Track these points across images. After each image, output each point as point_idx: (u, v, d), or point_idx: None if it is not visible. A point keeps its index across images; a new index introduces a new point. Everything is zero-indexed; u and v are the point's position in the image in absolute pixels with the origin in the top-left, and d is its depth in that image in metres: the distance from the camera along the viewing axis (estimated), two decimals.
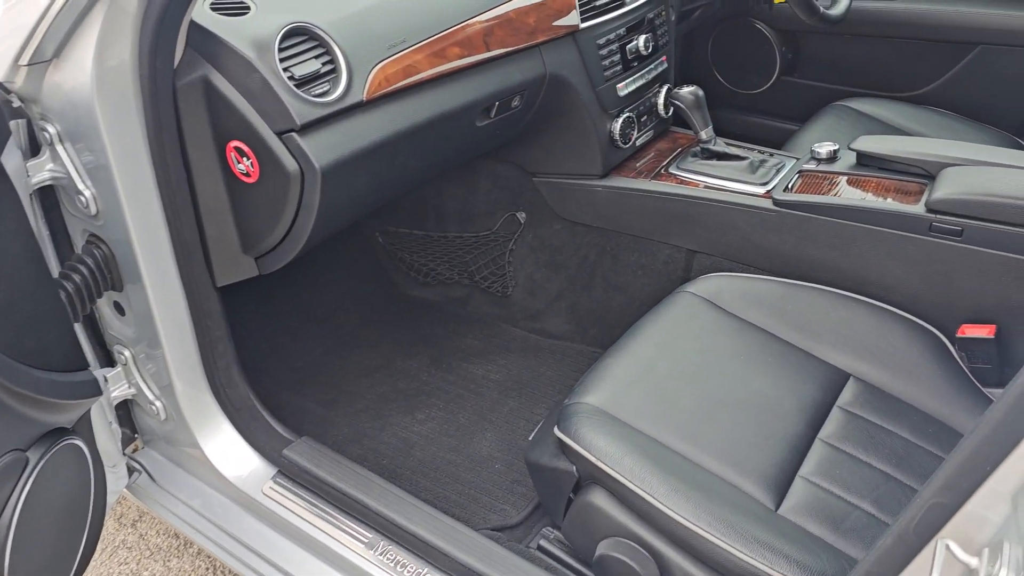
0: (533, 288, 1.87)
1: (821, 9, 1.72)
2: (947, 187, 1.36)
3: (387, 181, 1.33)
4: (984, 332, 1.35)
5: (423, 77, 1.27)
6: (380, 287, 2.06)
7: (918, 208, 1.39)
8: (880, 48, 2.24)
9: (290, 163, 1.12)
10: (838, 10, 1.82)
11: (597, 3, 1.56)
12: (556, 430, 1.19)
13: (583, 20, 1.53)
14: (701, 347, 1.33)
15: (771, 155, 1.68)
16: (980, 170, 1.38)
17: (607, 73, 1.61)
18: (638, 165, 1.72)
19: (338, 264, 2.03)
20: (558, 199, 1.75)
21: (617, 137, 1.66)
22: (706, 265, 1.65)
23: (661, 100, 1.77)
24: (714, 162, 1.65)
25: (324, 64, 1.15)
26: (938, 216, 1.37)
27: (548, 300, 1.86)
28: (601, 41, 1.58)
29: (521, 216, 1.82)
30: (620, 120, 1.66)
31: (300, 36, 1.14)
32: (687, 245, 1.66)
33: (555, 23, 1.48)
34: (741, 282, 1.47)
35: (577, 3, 1.52)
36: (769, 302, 1.43)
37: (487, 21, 1.37)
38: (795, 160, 1.66)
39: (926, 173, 1.47)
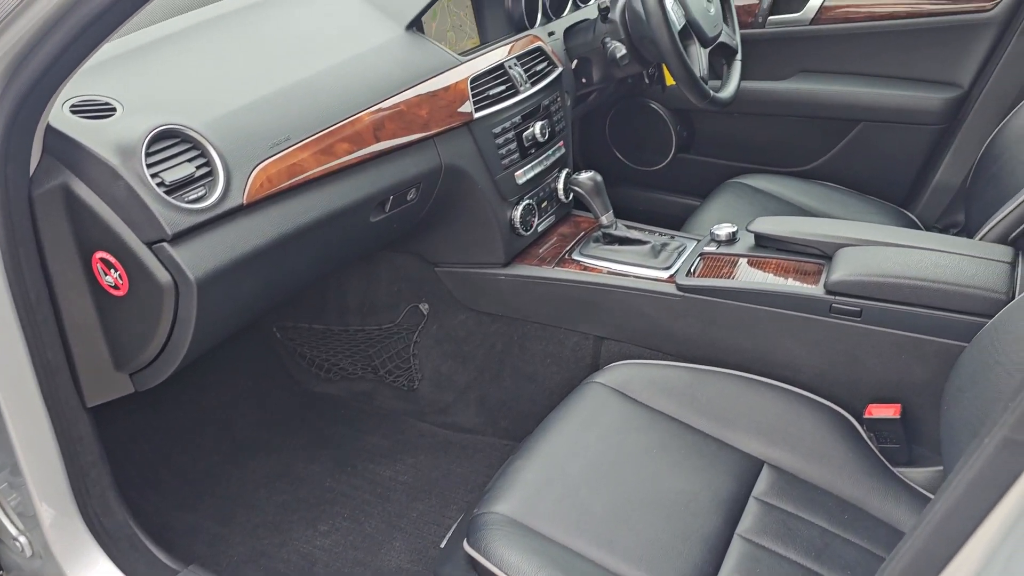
0: (440, 381, 1.80)
1: (711, 93, 1.76)
2: (843, 268, 1.38)
3: (275, 285, 1.25)
4: (890, 412, 1.35)
5: (310, 176, 1.21)
6: (280, 385, 1.95)
7: (817, 290, 1.40)
8: (771, 125, 2.31)
9: (162, 275, 1.04)
10: (727, 93, 1.86)
11: (491, 92, 1.54)
12: (466, 545, 1.12)
13: (477, 110, 1.50)
14: (612, 443, 1.29)
15: (672, 237, 1.68)
16: (874, 251, 1.40)
17: (504, 161, 1.58)
18: (541, 251, 1.69)
19: (234, 362, 1.92)
20: (462, 289, 1.70)
21: (518, 225, 1.63)
22: (615, 351, 1.62)
23: (561, 185, 1.76)
24: (616, 247, 1.63)
25: (199, 167, 1.08)
26: (837, 297, 1.38)
27: (456, 392, 1.79)
28: (497, 130, 1.56)
29: (424, 307, 1.76)
30: (520, 208, 1.63)
31: (172, 139, 1.07)
32: (595, 332, 1.63)
33: (448, 114, 1.45)
34: (650, 370, 1.43)
35: (470, 93, 1.49)
36: (679, 389, 1.40)
37: (377, 114, 1.33)
38: (696, 242, 1.66)
39: (822, 253, 1.48)
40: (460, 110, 1.47)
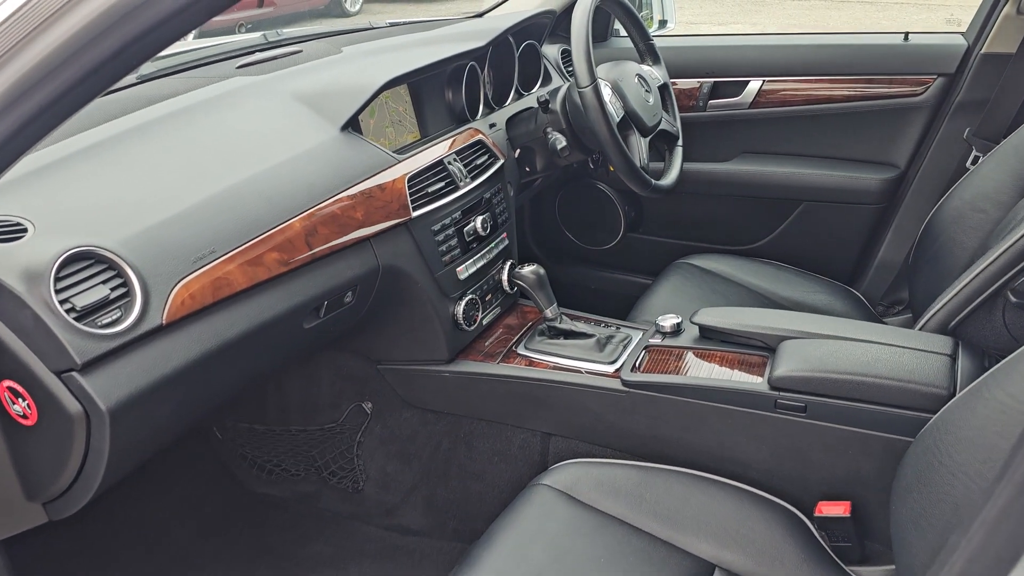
0: (386, 481, 1.74)
1: (652, 182, 1.76)
2: (787, 363, 1.36)
3: (198, 403, 1.20)
4: (840, 510, 1.33)
5: (237, 289, 1.17)
6: (220, 488, 1.87)
7: (762, 385, 1.38)
8: (716, 205, 2.33)
9: (71, 405, 0.98)
10: (668, 180, 1.87)
11: (429, 190, 1.53)
12: None
13: (415, 208, 1.49)
14: (559, 553, 1.24)
15: (617, 329, 1.66)
16: (816, 344, 1.40)
17: (445, 258, 1.56)
18: (486, 346, 1.66)
19: (171, 467, 1.84)
20: (405, 387, 1.66)
21: (461, 320, 1.60)
22: (563, 448, 1.58)
23: (505, 277, 1.74)
24: (561, 341, 1.61)
25: (115, 288, 1.03)
26: (781, 393, 1.36)
27: (403, 493, 1.73)
28: (436, 227, 1.54)
29: (368, 406, 1.71)
30: (463, 303, 1.60)
31: (85, 260, 1.03)
32: (542, 428, 1.59)
33: (385, 214, 1.43)
34: (597, 469, 1.40)
35: (408, 192, 1.48)
36: (627, 489, 1.36)
37: (310, 219, 1.30)
38: (641, 332, 1.64)
39: (766, 345, 1.47)
40: (397, 210, 1.45)
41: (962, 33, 2.04)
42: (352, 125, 1.49)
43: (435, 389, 1.63)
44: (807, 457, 1.38)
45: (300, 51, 1.76)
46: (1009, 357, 1.11)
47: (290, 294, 1.27)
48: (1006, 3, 1.87)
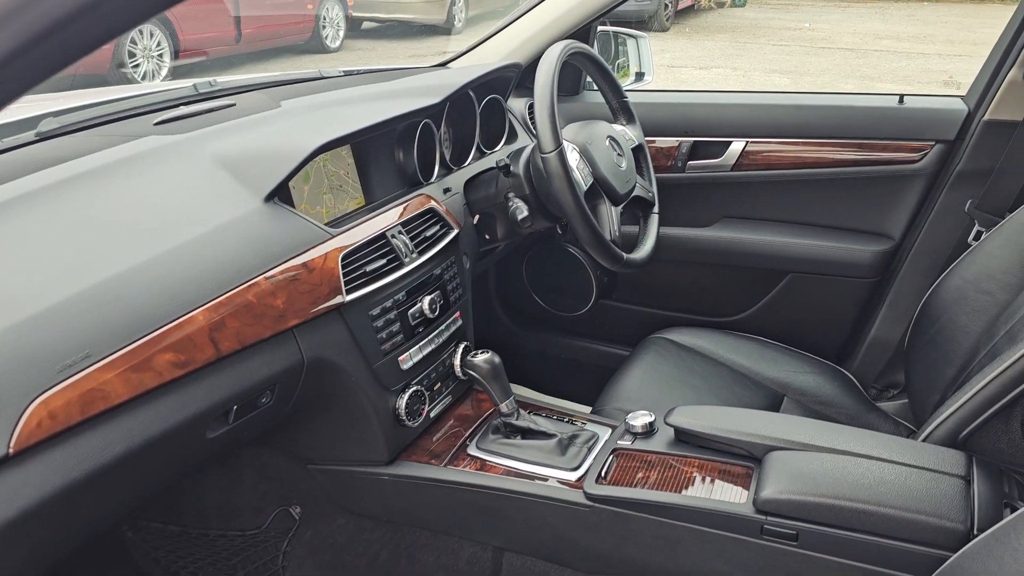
0: None
1: (624, 256, 1.58)
2: (775, 483, 1.17)
3: (66, 539, 0.99)
4: None
5: (115, 402, 0.96)
6: None
7: (747, 507, 1.19)
8: (695, 273, 2.16)
9: None
10: (642, 253, 1.69)
11: (368, 268, 1.33)
12: None
13: (349, 291, 1.29)
14: None
15: (582, 426, 1.46)
16: (809, 458, 1.21)
17: (385, 346, 1.36)
18: (433, 444, 1.46)
19: (75, 572, 1.61)
20: (339, 490, 1.45)
21: (403, 416, 1.40)
22: (517, 566, 1.38)
23: (457, 362, 1.54)
24: (518, 441, 1.41)
25: None
26: (769, 518, 1.17)
27: None
28: (375, 311, 1.34)
29: (296, 511, 1.49)
30: (406, 396, 1.40)
31: None
32: (493, 542, 1.39)
33: (312, 300, 1.23)
34: None
35: (341, 272, 1.28)
36: None
37: (215, 311, 1.09)
38: (610, 431, 1.45)
39: (751, 455, 1.28)
40: (327, 294, 1.26)
41: (962, 97, 1.89)
42: (279, 194, 1.30)
43: (373, 493, 1.42)
44: None
45: (233, 104, 1.57)
46: None
47: (188, 402, 1.06)
48: (1011, 67, 1.72)
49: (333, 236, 1.31)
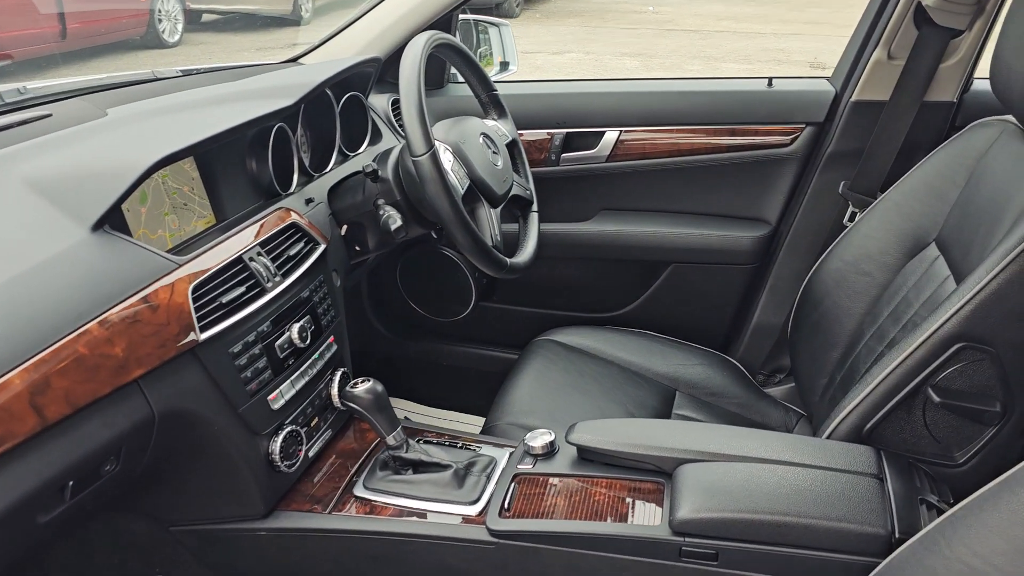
0: None
1: (507, 262, 1.48)
2: (690, 500, 1.10)
3: None
4: None
5: None
6: None
7: (662, 529, 1.12)
8: (577, 269, 2.09)
9: None
10: (525, 256, 1.60)
11: (224, 300, 1.16)
12: None
13: (204, 328, 1.12)
14: None
15: (478, 451, 1.35)
16: (723, 471, 1.14)
17: (251, 386, 1.20)
18: (314, 488, 1.30)
19: None
20: (210, 551, 1.27)
21: (278, 462, 1.24)
22: None
23: (335, 391, 1.39)
24: (410, 475, 1.28)
25: None
26: (687, 539, 1.10)
27: None
28: (236, 348, 1.17)
29: None
30: (280, 439, 1.25)
31: None
32: None
33: (159, 344, 1.05)
34: None
35: (192, 307, 1.11)
36: None
37: (36, 372, 0.90)
38: (508, 453, 1.34)
39: (659, 469, 1.21)
40: (177, 334, 1.08)
41: (828, 78, 1.89)
42: (111, 221, 1.10)
43: (250, 552, 1.26)
44: None
45: (49, 115, 1.34)
46: (965, 503, 0.89)
47: (7, 486, 0.87)
48: (875, 47, 1.73)
49: (180, 265, 1.13)
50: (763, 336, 1.97)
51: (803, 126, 1.85)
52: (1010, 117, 1.37)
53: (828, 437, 1.25)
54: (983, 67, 1.73)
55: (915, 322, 1.36)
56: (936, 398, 1.17)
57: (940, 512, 1.09)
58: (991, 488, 0.87)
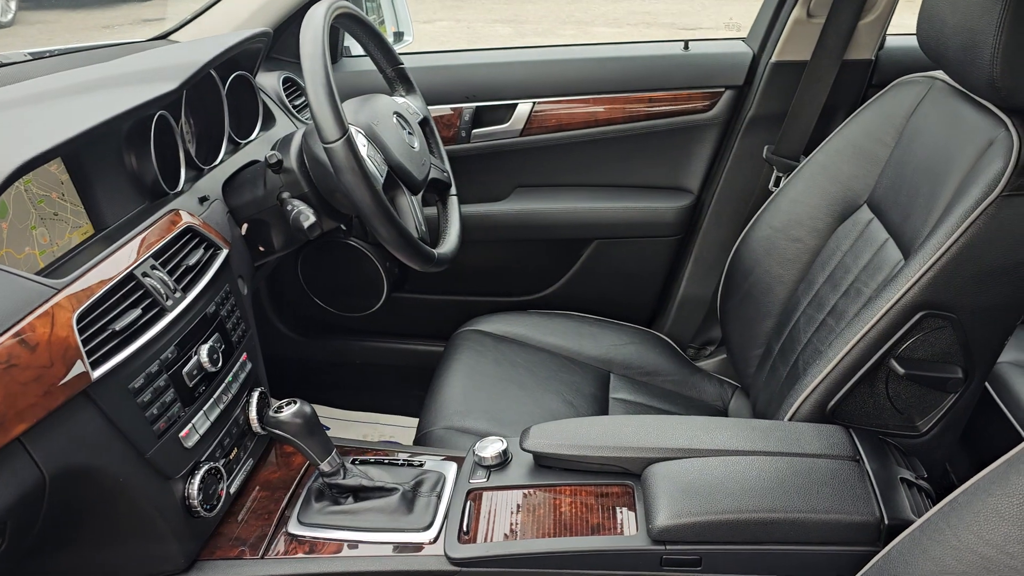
0: None
1: (435, 253, 1.34)
2: (669, 506, 1.02)
3: None
4: None
5: None
6: None
7: (642, 539, 1.03)
8: (495, 252, 1.97)
9: None
10: (451, 244, 1.48)
11: (117, 327, 0.98)
12: None
13: (96, 365, 0.93)
14: None
15: (422, 467, 1.22)
16: (697, 468, 1.06)
17: (158, 425, 1.02)
18: (239, 530, 1.14)
19: None
20: None
21: (197, 506, 1.07)
22: None
23: (254, 415, 1.23)
24: (351, 504, 1.14)
25: None
26: (668, 547, 1.02)
27: None
28: (138, 383, 0.99)
29: None
30: (197, 480, 1.08)
31: None
32: None
33: (42, 390, 0.87)
34: None
35: (79, 340, 0.92)
36: None
37: None
38: (455, 467, 1.22)
39: (626, 471, 1.12)
40: (63, 374, 0.89)
41: (744, 39, 1.84)
42: None
43: None
44: None
45: None
46: (967, 487, 0.84)
47: None
48: (793, 6, 1.68)
49: (58, 289, 0.94)
50: (691, 309, 1.92)
51: (722, 90, 1.79)
52: (938, 73, 1.34)
53: (791, 419, 1.20)
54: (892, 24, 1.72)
55: (858, 288, 1.33)
56: (900, 369, 1.13)
57: (921, 491, 1.05)
58: (996, 470, 0.83)
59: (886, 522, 0.98)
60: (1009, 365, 1.65)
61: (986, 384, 1.49)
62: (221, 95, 1.43)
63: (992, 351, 1.15)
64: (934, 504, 0.88)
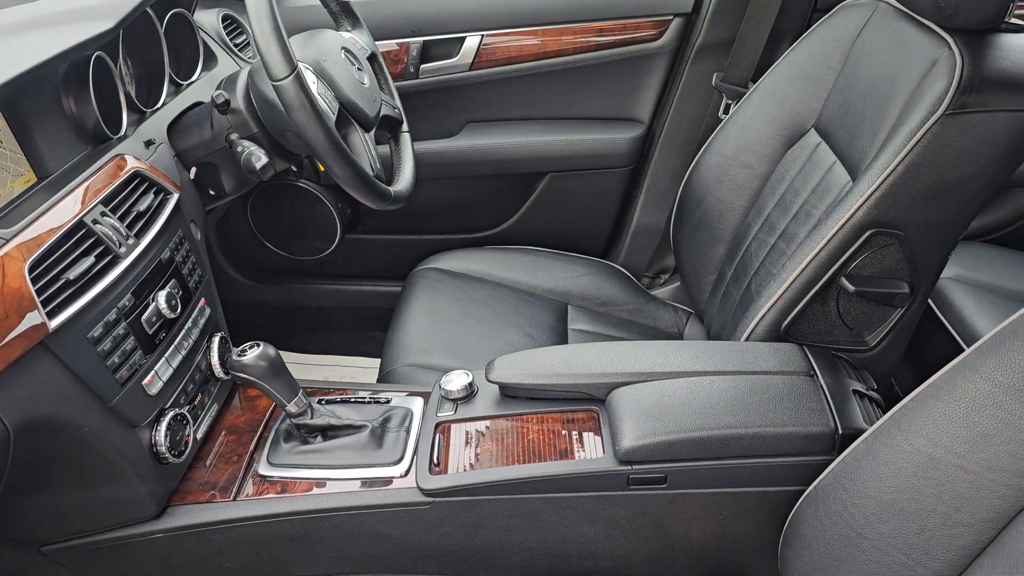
0: None
1: (391, 191, 1.33)
2: (635, 428, 1.05)
3: None
4: None
5: None
6: None
7: (608, 461, 1.06)
8: (447, 189, 1.96)
9: None
10: (405, 182, 1.46)
11: (71, 276, 0.96)
12: None
13: (52, 314, 0.92)
14: None
15: (389, 404, 1.23)
16: (660, 391, 1.09)
17: (120, 373, 1.01)
18: (208, 473, 1.15)
19: None
20: (94, 567, 1.10)
21: (165, 453, 1.07)
22: None
23: (215, 360, 1.22)
24: (320, 443, 1.15)
25: None
26: (635, 467, 1.05)
27: None
28: (96, 332, 0.98)
29: None
30: (163, 426, 1.07)
31: None
32: (316, 571, 1.14)
33: (1, 342, 0.85)
34: None
35: (33, 290, 0.90)
36: None
37: None
38: (422, 401, 1.24)
39: (591, 397, 1.15)
40: (19, 325, 0.88)
41: None
42: None
43: (145, 559, 1.09)
44: (671, 533, 1.09)
45: None
46: (915, 394, 0.89)
47: None
48: None
49: (6, 240, 0.91)
50: (644, 239, 1.94)
51: (671, 17, 1.78)
52: None
53: (746, 340, 1.24)
54: None
55: (808, 211, 1.36)
56: (850, 287, 1.17)
57: (872, 401, 1.10)
58: (942, 377, 0.87)
59: (840, 432, 1.02)
60: (950, 280, 1.71)
61: (928, 300, 1.55)
62: (159, 34, 1.38)
63: (936, 266, 1.19)
64: (884, 413, 0.92)
